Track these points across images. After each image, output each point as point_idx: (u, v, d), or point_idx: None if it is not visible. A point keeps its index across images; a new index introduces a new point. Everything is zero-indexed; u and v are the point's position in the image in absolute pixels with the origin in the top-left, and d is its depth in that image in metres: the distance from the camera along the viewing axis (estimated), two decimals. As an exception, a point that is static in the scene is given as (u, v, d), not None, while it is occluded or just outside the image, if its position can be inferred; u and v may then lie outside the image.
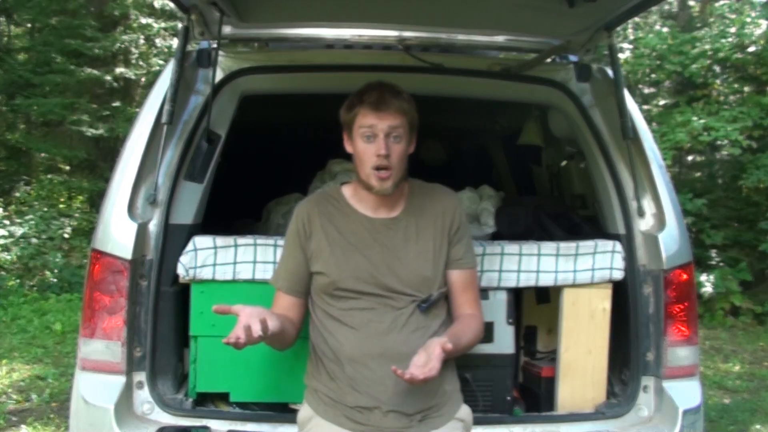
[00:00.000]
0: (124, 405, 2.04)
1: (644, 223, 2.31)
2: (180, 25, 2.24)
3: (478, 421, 2.01)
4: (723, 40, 7.92)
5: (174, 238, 2.16)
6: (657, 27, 10.28)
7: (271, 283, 2.00)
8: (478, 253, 2.21)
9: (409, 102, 1.89)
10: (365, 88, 1.89)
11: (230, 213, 2.93)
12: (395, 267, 1.89)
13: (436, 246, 1.95)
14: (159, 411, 2.07)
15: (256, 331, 1.62)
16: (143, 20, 10.00)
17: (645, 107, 9.12)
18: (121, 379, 2.05)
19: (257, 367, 2.15)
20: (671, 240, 2.24)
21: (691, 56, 8.00)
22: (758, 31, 7.81)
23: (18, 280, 7.97)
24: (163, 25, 10.25)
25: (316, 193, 2.14)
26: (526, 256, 2.26)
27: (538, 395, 2.42)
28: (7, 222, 8.61)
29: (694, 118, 7.53)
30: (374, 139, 1.85)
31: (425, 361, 1.70)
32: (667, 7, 10.70)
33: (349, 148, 1.94)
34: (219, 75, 2.33)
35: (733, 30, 7.92)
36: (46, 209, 9.16)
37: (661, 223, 2.27)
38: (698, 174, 9.53)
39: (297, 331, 1.95)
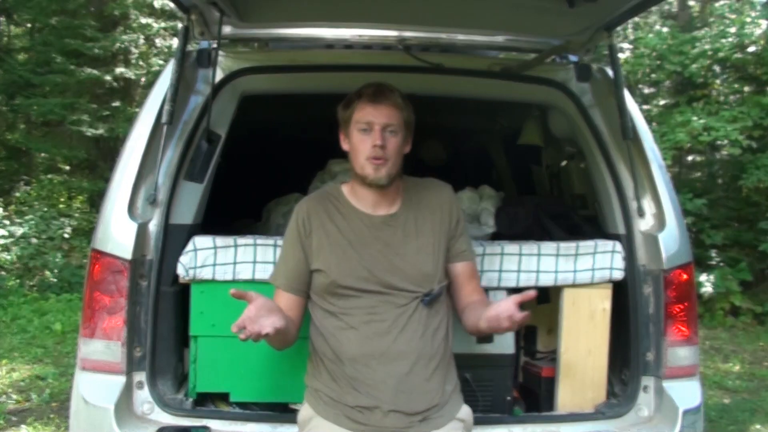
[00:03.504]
0: (124, 405, 2.04)
1: (644, 223, 2.31)
2: (180, 25, 2.24)
3: (478, 421, 2.00)
4: (723, 40, 7.92)
5: (174, 238, 2.16)
6: (657, 27, 10.27)
7: (270, 281, 2.00)
8: (478, 253, 2.22)
9: (404, 100, 1.93)
10: (362, 86, 1.93)
11: (230, 213, 2.93)
12: (396, 263, 1.89)
13: (436, 240, 1.95)
14: (159, 411, 2.07)
15: (265, 327, 1.62)
16: (143, 20, 9.99)
17: (645, 107, 9.11)
18: (121, 379, 2.05)
19: (257, 367, 2.15)
20: (671, 240, 2.24)
21: (691, 56, 8.00)
22: (758, 31, 7.80)
23: (18, 280, 7.97)
24: (163, 25, 10.24)
25: (316, 192, 2.14)
26: (526, 256, 2.26)
27: (538, 395, 2.42)
28: (7, 222, 8.61)
29: (694, 118, 7.53)
30: (370, 132, 1.87)
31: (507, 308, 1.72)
32: (667, 7, 10.70)
33: (345, 146, 1.96)
34: (219, 75, 2.33)
35: (733, 30, 7.91)
36: (46, 209, 9.16)
37: (661, 223, 2.27)
38: (698, 174, 9.53)
39: (297, 330, 1.95)
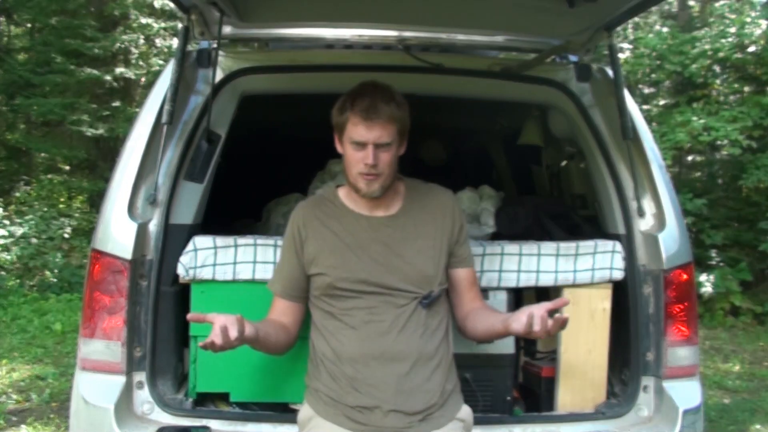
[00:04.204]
0: (124, 405, 2.04)
1: (644, 223, 2.31)
2: (180, 25, 2.24)
3: (478, 421, 2.00)
4: (723, 40, 7.92)
5: (174, 238, 2.16)
6: (657, 27, 10.28)
7: (268, 287, 2.01)
8: (479, 253, 2.22)
9: (400, 107, 1.87)
10: (357, 91, 1.87)
11: (230, 213, 2.93)
12: (396, 264, 1.89)
13: (436, 244, 1.95)
14: (159, 411, 2.07)
15: (233, 334, 1.64)
16: (143, 20, 9.99)
17: (645, 107, 9.12)
18: (121, 379, 2.05)
19: (257, 367, 2.15)
20: (671, 240, 2.24)
21: (691, 56, 8.00)
22: (758, 31, 7.80)
23: (18, 280, 7.97)
24: (163, 25, 10.24)
25: (312, 197, 2.15)
26: (526, 256, 2.26)
27: (538, 395, 2.42)
28: (7, 222, 8.61)
29: (694, 118, 7.53)
30: (363, 148, 1.84)
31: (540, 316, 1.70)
32: (667, 7, 10.70)
33: (340, 149, 1.95)
34: (219, 75, 2.33)
35: (733, 30, 7.91)
36: (46, 209, 9.16)
37: (661, 223, 2.27)
38: (698, 174, 9.54)
39: (291, 335, 1.96)
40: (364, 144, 1.84)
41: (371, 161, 1.83)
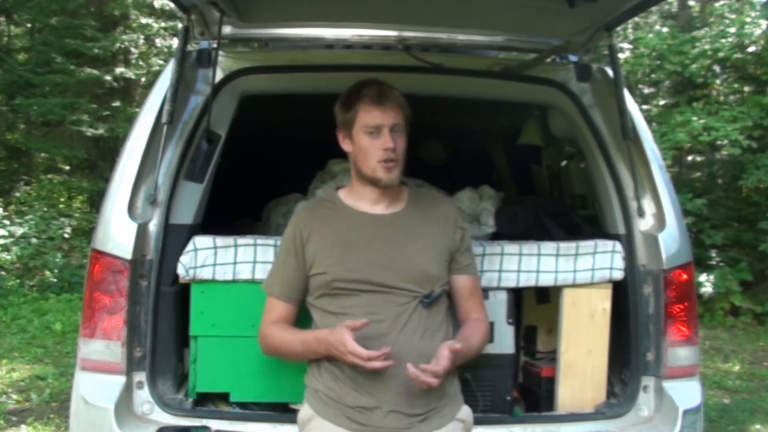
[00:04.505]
0: (124, 405, 2.04)
1: (644, 223, 2.31)
2: (180, 25, 2.24)
3: (478, 421, 2.00)
4: (723, 40, 7.93)
5: (174, 238, 2.16)
6: (657, 27, 10.28)
7: (263, 288, 2.00)
8: (479, 253, 2.22)
9: (403, 97, 1.93)
10: (360, 85, 1.91)
11: (230, 213, 2.93)
12: (397, 262, 1.89)
13: (437, 245, 1.95)
14: (159, 411, 2.07)
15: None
16: (143, 20, 10.00)
17: (645, 107, 9.12)
18: (121, 379, 2.05)
19: (257, 367, 2.15)
20: (671, 240, 2.24)
21: (691, 56, 8.00)
22: (758, 31, 7.81)
23: (18, 280, 7.97)
24: (163, 25, 10.25)
25: (312, 200, 2.16)
26: (526, 256, 2.26)
27: (538, 395, 2.42)
28: (7, 222, 8.61)
29: (694, 118, 7.54)
30: (379, 134, 1.86)
31: (434, 364, 1.73)
32: (667, 7, 10.70)
33: (346, 147, 1.95)
34: (219, 75, 2.33)
35: (733, 30, 7.92)
36: (46, 209, 9.17)
37: (661, 223, 2.27)
38: (698, 174, 9.54)
39: None
40: (379, 128, 1.86)
41: (391, 144, 1.85)
